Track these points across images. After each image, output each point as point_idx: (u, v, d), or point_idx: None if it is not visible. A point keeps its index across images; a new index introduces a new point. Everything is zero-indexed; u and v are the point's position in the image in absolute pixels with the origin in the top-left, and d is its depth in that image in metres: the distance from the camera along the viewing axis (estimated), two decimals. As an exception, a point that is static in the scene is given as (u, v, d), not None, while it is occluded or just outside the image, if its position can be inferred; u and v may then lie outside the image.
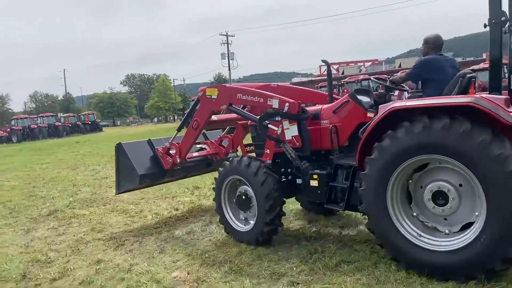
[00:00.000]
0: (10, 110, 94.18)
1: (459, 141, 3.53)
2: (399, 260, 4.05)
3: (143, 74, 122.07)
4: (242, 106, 5.88)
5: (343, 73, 49.44)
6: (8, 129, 47.12)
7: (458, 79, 4.26)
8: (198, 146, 6.81)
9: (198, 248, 5.19)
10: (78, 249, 5.61)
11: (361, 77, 28.95)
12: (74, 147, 25.35)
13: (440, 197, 3.84)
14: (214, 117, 6.26)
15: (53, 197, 9.42)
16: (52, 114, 55.78)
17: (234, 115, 6.17)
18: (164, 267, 4.71)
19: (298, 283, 4.02)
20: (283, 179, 5.31)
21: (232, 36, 58.72)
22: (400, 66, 45.25)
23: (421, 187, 3.98)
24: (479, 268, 3.58)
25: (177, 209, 7.32)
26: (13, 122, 47.63)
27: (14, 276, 4.80)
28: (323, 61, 5.70)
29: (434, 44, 4.77)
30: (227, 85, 6.40)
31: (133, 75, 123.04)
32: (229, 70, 55.89)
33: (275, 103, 5.20)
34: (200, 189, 8.81)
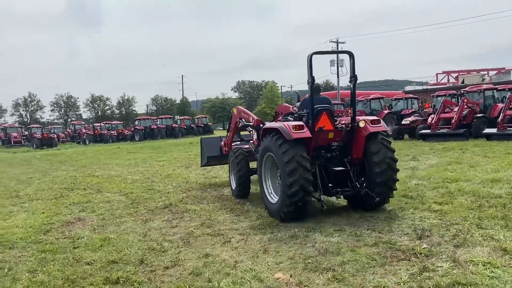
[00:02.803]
0: (134, 112, 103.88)
1: (272, 145, 6.78)
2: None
3: (253, 81, 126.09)
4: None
5: (463, 82, 45.19)
6: (132, 129, 52.01)
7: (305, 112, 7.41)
8: (251, 141, 9.83)
9: (301, 253, 5.20)
10: (189, 241, 5.99)
11: (484, 86, 24.86)
12: (188, 147, 27.04)
13: None
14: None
15: (168, 192, 10.19)
16: (170, 116, 60.05)
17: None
18: (267, 267, 4.79)
19: (405, 300, 3.81)
20: None
21: (343, 43, 57.99)
22: (531, 75, 39.61)
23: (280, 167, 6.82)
24: (280, 212, 6.64)
25: (281, 213, 7.39)
26: (136, 122, 52.45)
27: (133, 261, 5.28)
28: (295, 92, 7.93)
29: (311, 89, 7.19)
30: (239, 107, 10.43)
31: (243, 82, 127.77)
32: (338, 77, 55.26)
33: (251, 119, 9.21)
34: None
